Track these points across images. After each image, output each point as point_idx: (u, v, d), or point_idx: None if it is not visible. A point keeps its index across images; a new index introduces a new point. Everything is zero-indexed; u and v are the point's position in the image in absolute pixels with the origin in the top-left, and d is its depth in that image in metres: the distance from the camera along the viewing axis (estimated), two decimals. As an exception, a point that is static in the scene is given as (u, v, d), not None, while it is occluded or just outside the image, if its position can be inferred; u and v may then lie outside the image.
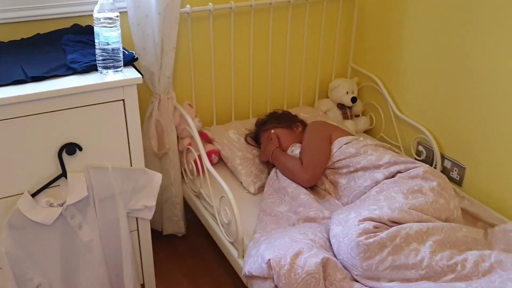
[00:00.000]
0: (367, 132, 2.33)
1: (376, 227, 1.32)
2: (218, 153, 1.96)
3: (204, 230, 1.92)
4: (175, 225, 2.04)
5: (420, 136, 2.04)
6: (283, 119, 1.95)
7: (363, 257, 1.28)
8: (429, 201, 1.41)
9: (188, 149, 1.87)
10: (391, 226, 1.33)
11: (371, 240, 1.29)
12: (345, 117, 2.29)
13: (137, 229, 1.62)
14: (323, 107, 2.27)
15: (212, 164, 1.95)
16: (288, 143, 1.83)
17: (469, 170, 1.87)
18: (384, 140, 2.25)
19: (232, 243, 1.63)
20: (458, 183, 1.91)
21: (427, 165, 1.57)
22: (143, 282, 1.72)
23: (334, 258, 1.32)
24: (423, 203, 1.40)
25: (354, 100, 2.24)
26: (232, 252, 1.61)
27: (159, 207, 2.00)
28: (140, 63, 1.73)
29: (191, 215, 2.05)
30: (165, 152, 1.88)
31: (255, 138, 1.98)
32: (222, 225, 1.69)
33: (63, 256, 1.47)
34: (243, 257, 1.54)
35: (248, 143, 1.96)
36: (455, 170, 1.92)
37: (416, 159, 2.07)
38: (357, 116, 2.33)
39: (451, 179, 1.90)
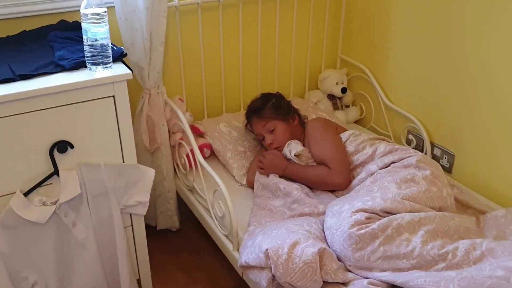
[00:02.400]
0: (357, 122, 2.34)
1: (368, 218, 1.33)
2: (210, 147, 1.96)
3: (198, 224, 1.93)
4: (169, 220, 2.04)
5: (409, 125, 2.06)
6: (280, 109, 1.82)
7: (355, 248, 1.30)
8: (422, 190, 1.43)
9: (180, 143, 1.87)
10: (383, 217, 1.34)
11: (362, 231, 1.30)
12: (336, 107, 2.30)
13: (131, 225, 1.62)
14: (313, 98, 2.28)
15: (204, 157, 1.95)
16: (285, 140, 1.76)
17: (458, 158, 1.89)
18: (374, 129, 2.26)
19: (226, 236, 1.64)
20: (448, 170, 1.93)
21: (421, 154, 1.58)
22: (139, 277, 1.72)
23: (330, 249, 1.33)
24: (416, 192, 1.42)
25: (344, 90, 2.25)
26: (226, 244, 1.62)
27: (152, 202, 1.99)
28: (129, 58, 1.72)
29: (184, 209, 2.05)
30: (157, 147, 1.87)
31: (247, 123, 1.89)
32: (216, 219, 1.69)
33: (57, 254, 1.47)
34: (238, 249, 1.55)
35: (250, 131, 1.89)
36: (445, 158, 1.94)
37: (404, 146, 2.09)
38: (347, 106, 2.34)
39: (440, 166, 1.92)
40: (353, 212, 1.35)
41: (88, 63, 1.41)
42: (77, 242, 1.48)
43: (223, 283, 1.90)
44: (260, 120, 1.81)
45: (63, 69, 1.42)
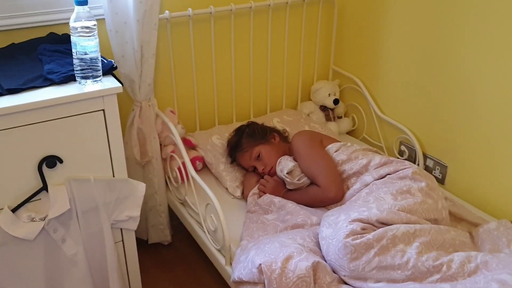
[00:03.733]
0: (349, 133, 2.34)
1: (363, 229, 1.32)
2: (202, 160, 1.95)
3: (190, 237, 1.90)
4: (161, 234, 2.01)
5: (402, 136, 2.06)
6: (256, 135, 1.82)
7: (350, 258, 1.29)
8: (417, 201, 1.43)
9: (171, 156, 1.85)
10: (379, 227, 1.33)
11: (358, 241, 1.29)
12: (328, 119, 2.30)
13: (122, 240, 1.60)
14: (306, 110, 2.27)
15: (197, 170, 1.93)
16: (274, 160, 1.76)
17: (451, 169, 1.89)
18: (366, 140, 2.26)
19: (219, 250, 1.62)
20: (440, 181, 1.93)
21: (416, 166, 1.58)
22: (130, 293, 1.69)
23: (324, 262, 1.32)
24: (411, 204, 1.41)
25: (336, 102, 2.25)
26: (219, 259, 1.60)
27: (144, 216, 1.97)
28: (119, 70, 1.70)
29: (176, 222, 2.03)
30: (148, 161, 1.85)
31: (233, 161, 1.89)
32: (208, 232, 1.67)
33: (47, 271, 1.44)
34: (231, 264, 1.53)
35: (240, 166, 1.88)
36: (437, 169, 1.94)
37: (398, 158, 2.08)
38: (339, 117, 2.34)
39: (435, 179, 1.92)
40: (349, 222, 1.34)
41: (78, 76, 1.39)
42: (66, 258, 1.46)
43: (216, 297, 1.88)
44: (243, 153, 1.82)
45: (52, 83, 1.40)
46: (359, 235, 1.30)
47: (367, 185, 1.56)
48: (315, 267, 1.27)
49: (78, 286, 1.49)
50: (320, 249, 1.38)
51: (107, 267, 1.53)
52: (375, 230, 1.31)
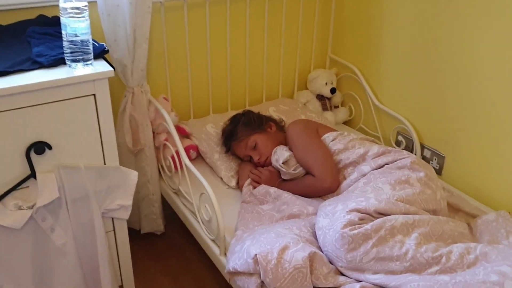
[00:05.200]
0: (346, 123, 2.31)
1: (361, 219, 1.29)
2: (196, 148, 1.90)
3: (183, 227, 1.87)
4: (154, 223, 1.98)
5: (399, 126, 2.03)
6: (252, 124, 1.78)
7: (347, 249, 1.26)
8: (416, 192, 1.40)
9: (165, 144, 1.81)
10: (377, 218, 1.30)
11: (355, 231, 1.26)
12: (325, 108, 2.26)
13: (114, 230, 1.56)
14: (302, 99, 2.23)
15: (190, 159, 1.89)
16: (270, 149, 1.72)
17: (449, 159, 1.86)
18: (363, 130, 2.23)
19: (213, 241, 1.58)
20: (438, 172, 1.90)
21: (415, 156, 1.55)
22: (122, 284, 1.65)
23: (320, 252, 1.29)
24: (410, 194, 1.38)
25: (333, 91, 2.21)
26: (213, 249, 1.56)
27: (136, 205, 1.93)
28: (111, 55, 1.66)
29: (169, 212, 1.99)
30: (141, 149, 1.81)
31: (228, 150, 1.85)
32: (202, 222, 1.63)
33: (35, 261, 1.40)
34: (225, 254, 1.50)
35: (235, 156, 1.84)
36: (435, 159, 1.91)
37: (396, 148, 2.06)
38: (336, 107, 2.31)
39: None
40: (347, 212, 1.31)
41: (68, 59, 1.34)
42: (55, 248, 1.41)
43: (210, 288, 1.85)
44: (239, 143, 1.78)
45: (41, 66, 1.35)
46: (356, 226, 1.27)
47: (364, 175, 1.53)
48: (311, 258, 1.23)
49: (67, 277, 1.45)
50: (316, 239, 1.35)
51: (97, 257, 1.49)
52: (373, 221, 1.28)
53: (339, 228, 1.27)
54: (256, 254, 1.24)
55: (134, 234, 1.97)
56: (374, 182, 1.46)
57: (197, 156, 1.93)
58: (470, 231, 1.42)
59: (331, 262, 1.29)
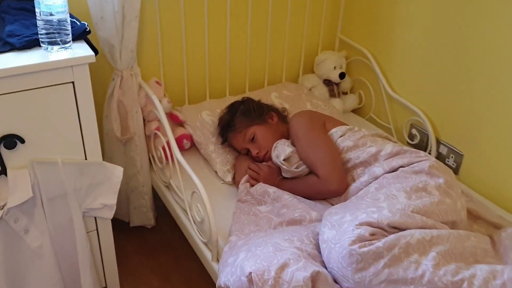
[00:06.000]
0: (355, 111, 2.14)
1: (372, 234, 1.14)
2: (190, 138, 1.74)
3: (175, 221, 1.73)
4: (143, 217, 1.84)
5: (413, 118, 1.86)
6: (252, 113, 1.62)
7: (355, 268, 1.11)
8: (434, 201, 1.24)
9: (155, 134, 1.65)
10: (390, 232, 1.15)
11: (365, 249, 1.11)
12: (332, 94, 2.09)
13: (96, 229, 1.42)
14: (308, 84, 2.06)
15: (184, 149, 1.75)
16: (270, 143, 1.56)
17: (467, 158, 1.70)
18: (373, 120, 2.06)
19: (205, 244, 1.45)
20: (455, 171, 1.74)
21: (434, 158, 1.38)
22: (106, 286, 1.53)
23: (325, 271, 1.14)
24: (427, 204, 1.23)
25: (342, 76, 2.03)
26: (205, 253, 1.43)
27: (125, 197, 1.79)
28: (98, 34, 1.49)
29: (161, 203, 1.85)
30: (130, 137, 1.65)
31: (224, 141, 1.69)
32: (194, 222, 1.49)
33: (7, 265, 1.27)
34: (218, 260, 1.36)
35: (232, 147, 1.69)
36: (452, 157, 1.75)
37: (408, 143, 1.90)
38: (344, 93, 2.14)
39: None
40: (356, 226, 1.16)
41: (42, 41, 1.18)
42: (30, 251, 1.28)
43: (201, 288, 1.72)
44: (236, 134, 1.62)
45: (12, 48, 1.19)
46: (367, 242, 1.12)
47: (376, 178, 1.37)
48: (314, 278, 1.09)
49: (43, 280, 1.33)
50: (320, 252, 1.21)
51: (77, 259, 1.36)
52: (386, 236, 1.13)
53: (347, 244, 1.12)
54: (250, 272, 1.10)
55: (123, 226, 1.84)
56: (388, 188, 1.30)
57: (191, 146, 1.77)
58: (493, 245, 1.27)
59: (336, 281, 1.15)
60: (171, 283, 1.73)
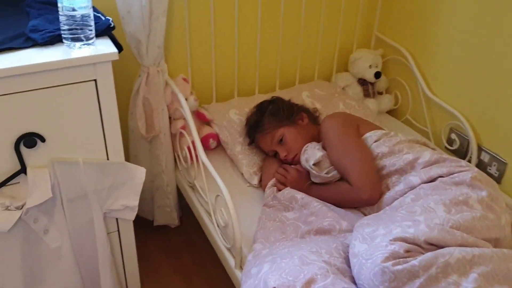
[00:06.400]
0: (390, 112, 2.04)
1: (407, 251, 1.06)
2: (216, 137, 1.69)
3: (200, 222, 1.69)
4: (167, 216, 1.80)
5: (453, 122, 1.75)
6: (281, 114, 1.55)
7: (388, 287, 1.03)
8: (476, 216, 1.14)
9: (181, 133, 1.60)
10: (427, 250, 1.07)
11: (399, 267, 1.03)
12: (367, 94, 2.00)
13: (118, 230, 1.38)
14: (341, 82, 1.97)
15: (210, 149, 1.70)
16: (299, 145, 1.50)
17: (511, 167, 1.59)
18: (410, 123, 1.96)
19: (229, 249, 1.39)
20: (497, 180, 1.63)
21: (476, 169, 1.28)
22: (126, 287, 1.50)
23: (354, 287, 1.06)
24: (469, 219, 1.13)
25: (378, 75, 1.94)
26: (228, 259, 1.37)
27: (150, 195, 1.76)
28: (124, 29, 1.45)
29: (186, 202, 1.80)
30: (155, 135, 1.61)
31: (251, 142, 1.63)
32: (218, 226, 1.44)
33: (25, 266, 1.24)
34: (241, 267, 1.31)
35: (259, 149, 1.62)
36: (494, 165, 1.64)
37: (447, 148, 1.79)
38: (380, 93, 2.04)
39: (488, 175, 1.62)
40: (390, 241, 1.07)
41: (65, 37, 1.14)
42: (49, 251, 1.26)
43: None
44: (264, 135, 1.55)
45: (34, 43, 1.15)
46: (401, 259, 1.03)
47: (412, 188, 1.28)
48: (342, 296, 1.02)
49: (62, 281, 1.30)
50: (349, 266, 1.13)
51: (97, 260, 1.33)
52: (422, 254, 1.05)
53: (380, 261, 1.04)
54: (275, 287, 1.03)
55: (147, 224, 1.81)
56: (425, 200, 1.21)
57: (218, 145, 1.72)
58: (539, 267, 1.17)
59: (365, 299, 1.07)
60: (192, 285, 1.69)
